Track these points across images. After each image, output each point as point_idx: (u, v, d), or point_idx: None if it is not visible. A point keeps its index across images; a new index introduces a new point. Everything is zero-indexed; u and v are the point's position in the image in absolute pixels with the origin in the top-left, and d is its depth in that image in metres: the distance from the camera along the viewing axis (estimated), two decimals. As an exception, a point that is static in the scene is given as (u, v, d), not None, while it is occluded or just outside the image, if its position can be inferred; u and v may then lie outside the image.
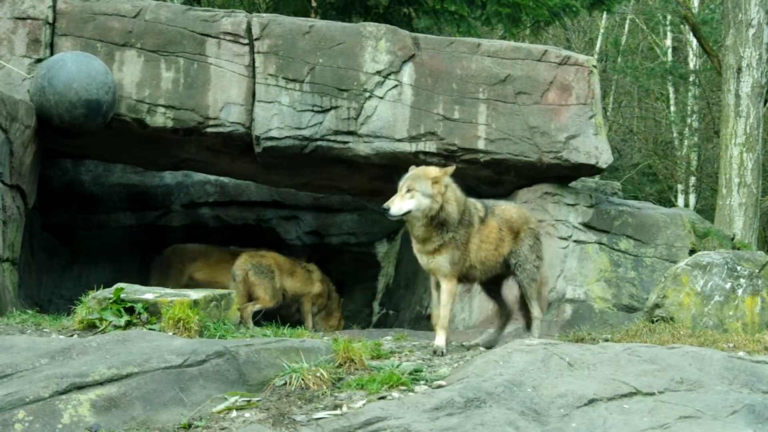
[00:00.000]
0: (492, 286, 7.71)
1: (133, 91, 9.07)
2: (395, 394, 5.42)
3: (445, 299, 6.98)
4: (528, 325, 7.71)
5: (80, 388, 5.03)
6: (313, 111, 9.19)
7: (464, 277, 7.21)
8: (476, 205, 7.27)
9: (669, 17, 25.06)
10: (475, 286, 7.90)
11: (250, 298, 10.02)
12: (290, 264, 10.57)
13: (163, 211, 11.60)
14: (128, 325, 6.54)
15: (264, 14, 9.88)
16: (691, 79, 24.20)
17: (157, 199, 11.56)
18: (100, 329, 6.53)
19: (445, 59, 9.40)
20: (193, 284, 10.61)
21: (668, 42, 25.67)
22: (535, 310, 7.50)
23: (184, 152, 9.72)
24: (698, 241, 9.79)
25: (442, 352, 6.72)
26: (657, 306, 8.12)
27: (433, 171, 6.89)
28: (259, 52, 9.21)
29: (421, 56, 9.39)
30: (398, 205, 6.73)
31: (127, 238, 11.39)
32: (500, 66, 9.42)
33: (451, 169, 6.95)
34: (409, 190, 6.75)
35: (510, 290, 7.74)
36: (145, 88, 9.08)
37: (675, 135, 25.06)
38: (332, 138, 9.21)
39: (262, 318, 9.81)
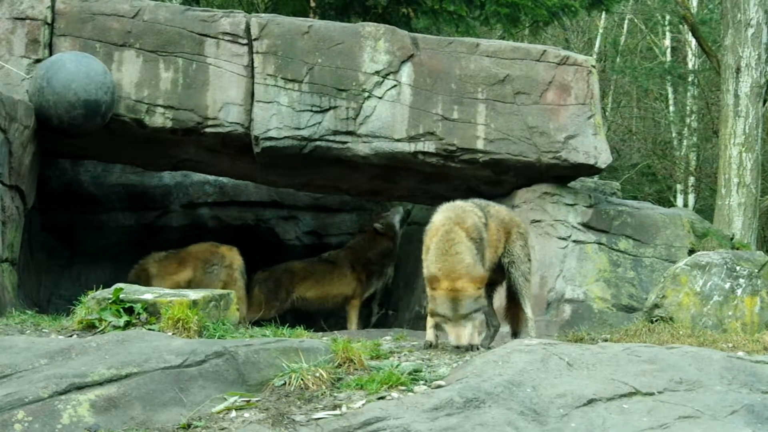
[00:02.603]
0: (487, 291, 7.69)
1: (132, 91, 9.07)
2: (394, 394, 5.41)
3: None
4: (515, 333, 7.69)
5: (79, 388, 5.02)
6: (312, 111, 9.19)
7: None
8: (477, 214, 7.11)
9: (668, 17, 25.08)
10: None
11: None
12: None
13: (162, 212, 11.60)
14: (127, 325, 6.53)
15: (263, 14, 9.88)
16: (690, 79, 24.21)
17: (156, 199, 11.56)
18: (99, 329, 6.53)
19: (443, 59, 9.41)
20: (302, 303, 10.87)
21: (667, 42, 25.68)
22: (528, 311, 7.46)
23: (183, 152, 9.72)
24: (697, 241, 9.79)
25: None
26: (656, 306, 8.12)
27: (472, 289, 6.66)
28: (257, 53, 9.21)
29: (419, 56, 9.39)
30: (465, 337, 6.62)
31: (126, 238, 11.39)
32: (499, 66, 9.43)
33: (483, 277, 6.74)
34: (465, 318, 6.63)
35: (497, 300, 7.71)
36: (143, 89, 9.08)
37: (674, 135, 25.06)
38: (331, 138, 9.21)
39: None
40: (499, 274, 7.45)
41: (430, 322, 6.90)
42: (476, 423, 4.90)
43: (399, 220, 10.91)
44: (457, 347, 6.56)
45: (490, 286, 7.51)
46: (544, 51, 9.56)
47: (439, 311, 6.64)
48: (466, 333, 6.61)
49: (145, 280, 9.91)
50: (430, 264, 6.78)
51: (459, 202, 7.20)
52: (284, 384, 5.49)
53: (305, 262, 11.22)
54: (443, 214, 6.98)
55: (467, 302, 6.58)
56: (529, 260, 7.53)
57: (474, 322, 6.69)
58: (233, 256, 10.36)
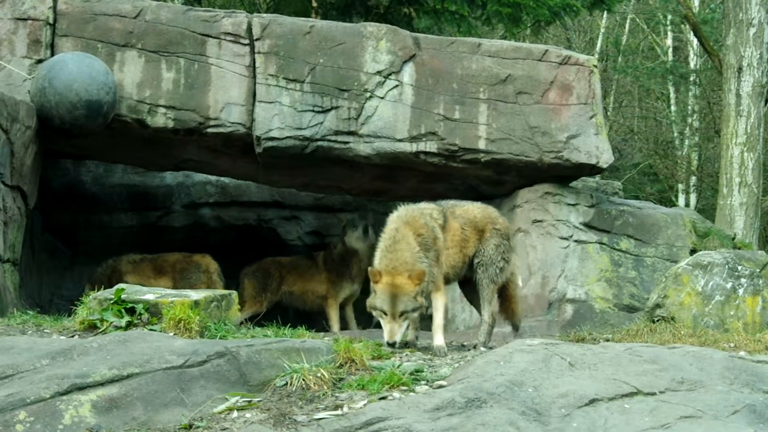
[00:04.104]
0: (468, 291, 7.72)
1: (134, 91, 9.07)
2: (396, 394, 5.42)
3: (439, 305, 7.15)
4: (515, 328, 7.84)
5: (81, 388, 5.03)
6: (313, 111, 9.19)
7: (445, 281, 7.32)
8: (433, 214, 7.18)
9: (669, 17, 25.08)
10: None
11: None
12: None
13: (163, 212, 11.60)
14: (129, 325, 6.53)
15: (264, 14, 9.88)
16: (691, 78, 24.21)
17: (158, 199, 11.56)
18: (101, 330, 6.53)
19: (445, 59, 9.41)
20: (288, 298, 10.91)
21: (669, 41, 25.68)
22: (486, 314, 7.43)
23: (184, 153, 9.72)
24: (699, 241, 9.78)
25: (444, 353, 6.79)
26: (658, 306, 8.12)
27: (410, 285, 6.71)
28: (259, 53, 9.21)
29: (421, 56, 9.39)
30: (398, 334, 6.73)
31: (128, 239, 11.38)
32: (501, 66, 9.43)
33: (422, 273, 6.77)
34: (401, 315, 6.70)
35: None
36: (145, 89, 9.08)
37: (676, 135, 25.06)
38: (333, 138, 9.21)
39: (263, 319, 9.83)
40: (471, 270, 7.51)
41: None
42: (478, 423, 4.90)
43: (357, 237, 10.88)
44: (388, 344, 6.64)
45: (467, 285, 7.61)
46: (546, 51, 9.56)
47: (377, 305, 6.73)
48: (400, 330, 6.68)
49: (117, 281, 9.95)
50: (375, 259, 6.94)
51: (419, 204, 7.31)
52: (286, 384, 5.49)
53: (291, 257, 11.28)
54: (395, 214, 7.11)
55: (404, 299, 6.65)
56: (504, 260, 7.51)
57: (409, 321, 6.81)
58: (208, 262, 10.48)
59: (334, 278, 10.97)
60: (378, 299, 6.74)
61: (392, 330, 6.68)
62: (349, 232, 10.86)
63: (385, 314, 6.71)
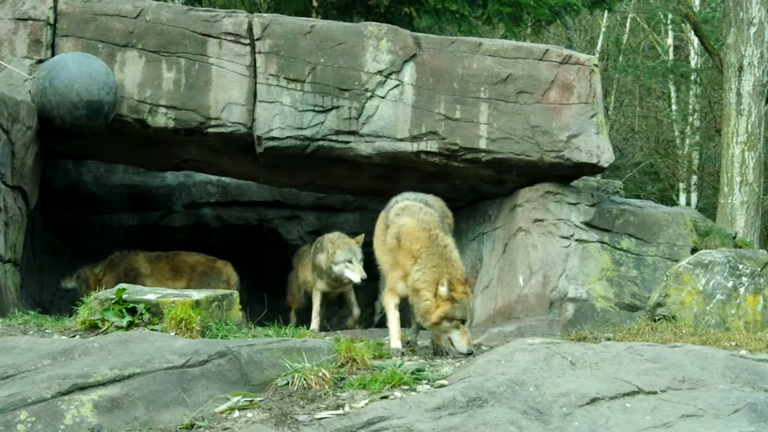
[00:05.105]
0: None
1: (135, 91, 9.07)
2: (397, 393, 5.42)
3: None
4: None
5: (83, 388, 5.03)
6: (314, 111, 9.19)
7: None
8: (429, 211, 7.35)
9: (670, 16, 25.07)
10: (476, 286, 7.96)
11: None
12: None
13: (164, 212, 11.61)
14: (130, 325, 6.54)
15: (265, 14, 9.88)
16: (692, 77, 24.20)
17: (159, 199, 11.56)
18: (102, 330, 6.53)
19: (446, 59, 9.40)
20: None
21: (669, 41, 25.67)
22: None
23: (185, 152, 9.72)
24: (700, 240, 9.77)
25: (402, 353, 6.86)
26: (659, 305, 8.12)
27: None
28: (260, 52, 9.21)
29: (422, 56, 9.39)
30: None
31: (129, 239, 11.38)
32: (501, 65, 9.42)
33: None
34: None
35: None
36: (146, 89, 9.08)
37: (676, 134, 25.05)
38: (334, 138, 9.21)
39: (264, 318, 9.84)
40: None
41: (397, 332, 6.99)
42: (479, 422, 4.90)
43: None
44: (468, 353, 6.61)
45: None
46: (547, 50, 9.55)
47: (458, 315, 6.71)
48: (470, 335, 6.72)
49: (133, 279, 9.93)
50: (424, 270, 6.87)
51: (411, 203, 7.34)
52: (287, 384, 5.50)
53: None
54: (419, 218, 7.11)
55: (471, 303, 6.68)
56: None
57: None
58: (230, 272, 10.42)
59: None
60: (458, 309, 6.71)
61: (470, 338, 6.76)
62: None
63: (463, 323, 6.71)
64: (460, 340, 6.71)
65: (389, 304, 7.18)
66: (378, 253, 7.58)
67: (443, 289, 6.70)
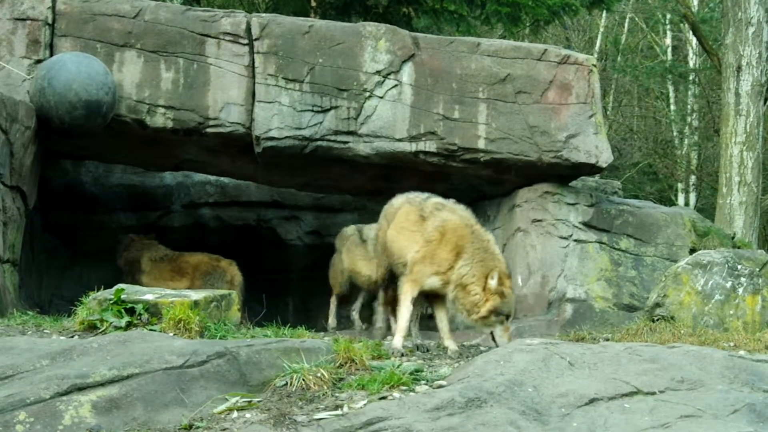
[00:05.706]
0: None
1: (133, 91, 9.07)
2: (396, 394, 5.42)
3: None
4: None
5: (81, 389, 5.03)
6: (313, 111, 9.19)
7: None
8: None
9: (669, 16, 25.05)
10: None
11: None
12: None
13: (163, 212, 11.61)
14: (129, 326, 6.53)
15: (263, 14, 9.88)
16: (691, 77, 24.19)
17: (158, 199, 11.56)
18: (100, 330, 6.53)
19: (444, 59, 9.40)
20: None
21: (668, 41, 25.66)
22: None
23: (184, 153, 9.72)
24: (699, 240, 9.78)
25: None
26: (657, 305, 8.12)
27: None
28: (258, 52, 9.21)
29: (420, 56, 9.39)
30: None
31: (127, 239, 11.38)
32: (500, 65, 9.42)
33: None
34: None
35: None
36: (145, 89, 9.08)
37: (675, 134, 25.05)
38: (332, 138, 9.21)
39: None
40: None
41: (404, 329, 6.99)
42: (478, 423, 4.90)
43: None
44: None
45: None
46: (545, 50, 9.55)
47: (505, 311, 6.78)
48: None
49: (133, 274, 9.97)
50: (472, 264, 6.86)
51: (449, 201, 7.37)
52: (286, 384, 5.49)
53: None
54: (460, 214, 7.12)
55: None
56: None
57: None
58: (234, 272, 10.32)
59: None
60: (506, 304, 6.76)
61: (511, 332, 6.85)
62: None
63: (507, 318, 6.77)
64: (502, 335, 6.80)
65: (406, 295, 7.02)
66: (399, 244, 7.31)
67: (493, 283, 6.72)
